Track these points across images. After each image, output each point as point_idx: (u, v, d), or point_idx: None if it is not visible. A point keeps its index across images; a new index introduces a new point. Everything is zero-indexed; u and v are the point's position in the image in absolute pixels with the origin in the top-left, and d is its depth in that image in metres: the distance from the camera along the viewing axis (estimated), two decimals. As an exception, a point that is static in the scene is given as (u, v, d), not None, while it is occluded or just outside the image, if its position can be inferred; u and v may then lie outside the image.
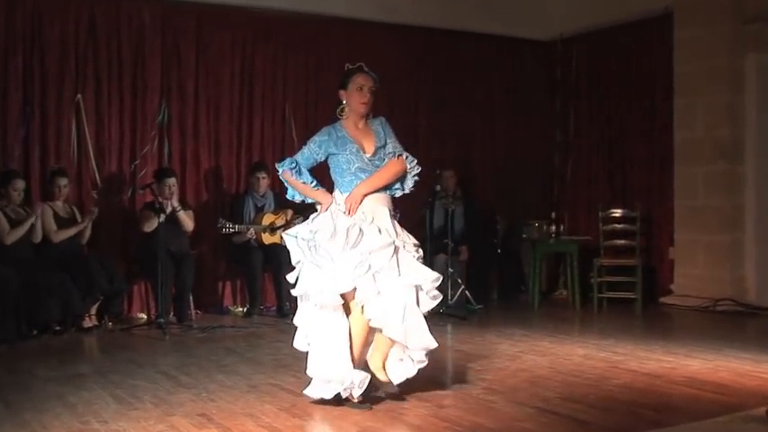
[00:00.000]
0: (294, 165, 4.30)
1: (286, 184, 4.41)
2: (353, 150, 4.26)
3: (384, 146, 4.34)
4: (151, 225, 6.99)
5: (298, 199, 4.41)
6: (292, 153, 8.42)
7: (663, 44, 8.35)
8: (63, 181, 6.82)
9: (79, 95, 7.31)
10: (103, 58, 7.41)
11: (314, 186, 4.31)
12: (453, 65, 9.10)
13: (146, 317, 7.34)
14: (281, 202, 7.78)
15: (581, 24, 9.23)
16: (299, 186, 4.33)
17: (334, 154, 4.27)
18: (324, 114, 8.33)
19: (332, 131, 4.32)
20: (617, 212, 8.33)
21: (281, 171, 4.35)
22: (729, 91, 7.86)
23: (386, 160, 4.32)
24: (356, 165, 4.25)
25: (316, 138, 4.33)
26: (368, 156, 4.29)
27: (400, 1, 8.57)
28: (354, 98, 4.32)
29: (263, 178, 7.64)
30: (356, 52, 8.42)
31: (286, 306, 7.55)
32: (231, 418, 3.93)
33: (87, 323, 6.63)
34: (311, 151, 4.30)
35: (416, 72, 8.84)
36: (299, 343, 4.33)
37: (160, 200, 6.86)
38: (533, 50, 9.69)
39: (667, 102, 8.36)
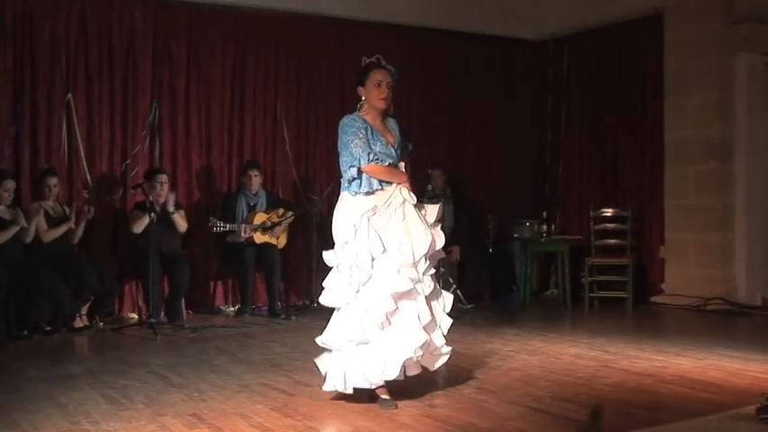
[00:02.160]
0: (372, 155, 4.16)
1: (355, 183, 4.20)
2: (383, 141, 4.26)
3: (399, 145, 4.36)
4: (140, 226, 6.97)
5: (373, 188, 4.20)
6: (284, 152, 8.53)
7: (653, 44, 8.38)
8: (53, 180, 6.79)
9: (70, 95, 7.28)
10: (94, 57, 7.38)
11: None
12: (445, 64, 9.11)
13: (137, 317, 7.31)
14: (273, 201, 7.78)
15: (572, 24, 9.24)
16: (384, 171, 4.21)
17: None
18: (315, 113, 8.36)
19: (358, 119, 4.25)
20: (608, 212, 8.36)
21: (365, 167, 4.16)
22: (720, 90, 7.89)
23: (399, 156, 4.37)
24: (382, 158, 4.25)
25: (351, 128, 4.19)
26: (392, 148, 4.30)
27: (392, 1, 8.58)
28: (373, 94, 4.28)
29: (256, 176, 7.62)
30: (348, 52, 8.45)
31: (278, 306, 7.55)
32: (222, 417, 3.92)
33: (78, 323, 6.61)
34: (361, 140, 4.16)
35: (408, 72, 8.78)
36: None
37: (151, 199, 6.84)
38: (525, 50, 9.71)
39: (658, 101, 8.39)
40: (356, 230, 4.13)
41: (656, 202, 8.43)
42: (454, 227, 8.30)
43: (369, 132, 4.23)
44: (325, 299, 4.29)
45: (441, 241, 4.29)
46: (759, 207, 7.96)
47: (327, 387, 4.21)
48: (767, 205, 8.02)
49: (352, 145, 4.18)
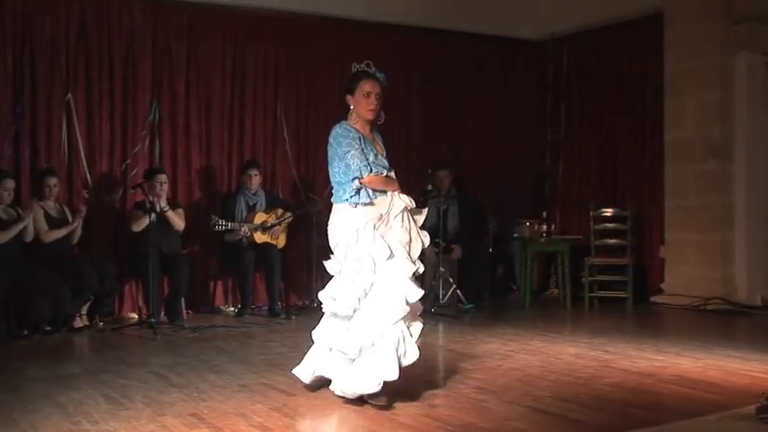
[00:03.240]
0: (370, 168, 4.18)
1: (358, 194, 4.20)
2: (374, 152, 4.28)
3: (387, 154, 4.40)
4: (140, 225, 6.98)
5: (371, 198, 4.22)
6: (284, 152, 8.52)
7: (653, 44, 8.38)
8: (53, 180, 6.79)
9: (70, 95, 7.28)
10: (94, 57, 7.39)
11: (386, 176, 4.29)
12: (445, 64, 9.11)
13: (137, 317, 7.31)
14: (273, 201, 7.78)
15: (572, 24, 9.25)
16: (382, 182, 4.23)
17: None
18: (315, 113, 8.36)
19: (351, 129, 4.25)
20: (608, 211, 8.35)
21: (365, 177, 4.17)
22: (719, 90, 7.89)
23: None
24: (378, 168, 4.27)
25: (345, 138, 4.20)
26: (382, 157, 4.33)
27: (392, 1, 8.58)
28: (362, 105, 4.28)
29: (255, 175, 7.62)
30: (348, 52, 8.45)
31: (278, 306, 7.55)
32: (222, 417, 3.92)
33: (78, 323, 6.61)
34: (357, 151, 4.18)
35: (408, 72, 8.84)
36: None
37: (151, 198, 6.83)
38: (525, 50, 9.71)
39: (658, 101, 8.39)
40: (358, 236, 4.12)
41: (656, 201, 8.43)
42: (458, 227, 8.31)
43: (362, 143, 4.23)
44: (330, 307, 4.23)
45: (427, 242, 4.36)
46: (759, 207, 7.96)
47: (351, 393, 4.11)
48: (767, 205, 8.02)
49: (349, 156, 4.17)
